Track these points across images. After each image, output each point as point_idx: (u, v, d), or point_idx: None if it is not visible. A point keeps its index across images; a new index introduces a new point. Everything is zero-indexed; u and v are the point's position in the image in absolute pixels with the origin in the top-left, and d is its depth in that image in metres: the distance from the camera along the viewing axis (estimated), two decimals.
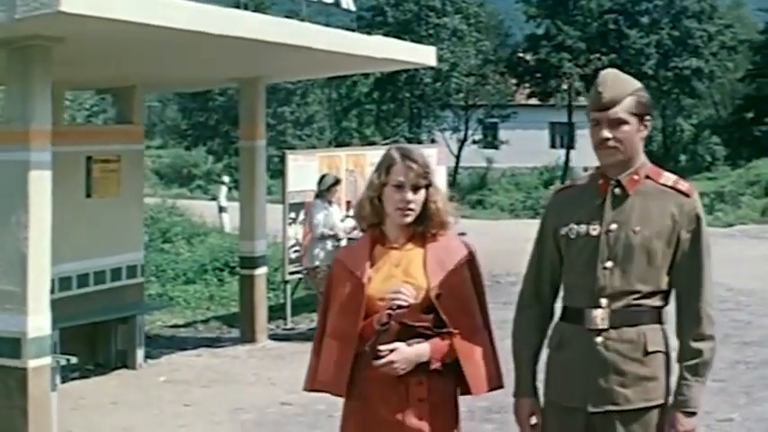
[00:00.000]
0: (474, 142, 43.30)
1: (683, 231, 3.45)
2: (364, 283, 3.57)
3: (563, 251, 3.56)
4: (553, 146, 48.34)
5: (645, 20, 43.39)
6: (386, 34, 23.61)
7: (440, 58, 19.20)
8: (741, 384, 8.63)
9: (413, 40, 18.01)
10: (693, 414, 3.42)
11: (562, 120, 44.18)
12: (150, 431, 7.66)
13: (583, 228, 3.50)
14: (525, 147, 44.48)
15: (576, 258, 3.52)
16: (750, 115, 42.84)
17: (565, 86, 42.80)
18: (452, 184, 33.80)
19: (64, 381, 8.22)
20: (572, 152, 42.50)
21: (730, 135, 44.33)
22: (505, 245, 16.04)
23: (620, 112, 3.43)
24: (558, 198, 3.71)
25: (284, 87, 41.44)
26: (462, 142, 42.47)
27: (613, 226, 3.46)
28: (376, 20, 41.01)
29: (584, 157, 40.99)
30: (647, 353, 3.43)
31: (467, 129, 42.92)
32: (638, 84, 3.53)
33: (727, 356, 9.42)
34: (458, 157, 41.18)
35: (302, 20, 8.64)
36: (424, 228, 3.63)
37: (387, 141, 34.10)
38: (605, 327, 3.43)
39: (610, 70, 3.59)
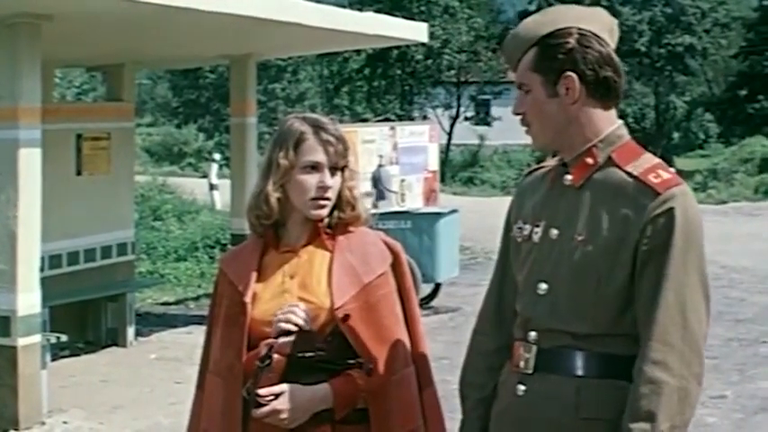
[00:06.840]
0: (466, 119, 43.14)
1: (642, 247, 2.25)
2: (246, 302, 2.67)
3: (512, 258, 2.53)
4: None
5: None
6: (377, 11, 23.49)
7: (431, 35, 19.13)
8: (734, 362, 8.65)
9: (404, 17, 17.90)
10: None
11: None
12: (141, 409, 7.63)
13: (527, 229, 2.46)
14: (517, 124, 41.20)
15: (519, 272, 2.48)
16: (743, 92, 42.82)
17: None
18: (444, 161, 33.75)
19: (54, 359, 8.20)
20: None
21: (723, 112, 44.33)
22: (498, 221, 16.00)
23: (518, 75, 2.43)
24: (523, 184, 2.66)
25: (275, 64, 41.24)
26: (454, 119, 42.32)
27: (554, 232, 2.38)
28: None
29: None
30: (580, 418, 2.28)
31: (459, 106, 42.73)
32: (561, 23, 2.35)
33: (721, 334, 9.44)
34: (450, 135, 41.05)
35: None
36: (332, 221, 2.74)
37: (378, 118, 34.00)
38: (529, 371, 2.37)
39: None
